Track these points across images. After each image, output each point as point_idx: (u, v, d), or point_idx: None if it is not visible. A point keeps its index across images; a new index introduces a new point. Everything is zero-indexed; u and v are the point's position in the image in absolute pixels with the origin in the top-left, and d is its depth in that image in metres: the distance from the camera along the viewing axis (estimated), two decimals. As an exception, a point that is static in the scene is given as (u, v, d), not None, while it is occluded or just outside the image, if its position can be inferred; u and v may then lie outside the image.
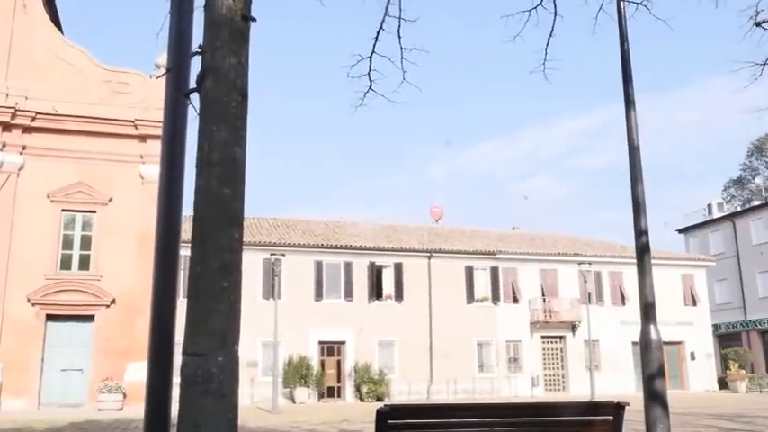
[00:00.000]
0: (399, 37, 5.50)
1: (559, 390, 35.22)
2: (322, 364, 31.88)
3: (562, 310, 35.43)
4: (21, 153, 24.23)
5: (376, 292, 33.35)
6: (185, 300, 3.43)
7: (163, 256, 3.98)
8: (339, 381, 32.30)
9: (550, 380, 35.47)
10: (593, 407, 4.39)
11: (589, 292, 34.04)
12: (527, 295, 35.49)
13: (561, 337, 35.88)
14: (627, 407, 4.43)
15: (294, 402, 29.56)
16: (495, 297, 35.11)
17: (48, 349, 23.42)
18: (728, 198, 66.38)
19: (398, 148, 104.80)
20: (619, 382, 33.66)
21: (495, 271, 35.25)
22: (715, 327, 42.95)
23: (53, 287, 23.58)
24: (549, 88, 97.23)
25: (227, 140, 3.53)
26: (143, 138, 25.15)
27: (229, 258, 3.45)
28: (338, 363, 32.45)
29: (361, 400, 30.81)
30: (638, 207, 7.23)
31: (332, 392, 31.97)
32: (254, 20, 3.75)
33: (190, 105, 3.84)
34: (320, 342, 32.03)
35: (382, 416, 3.81)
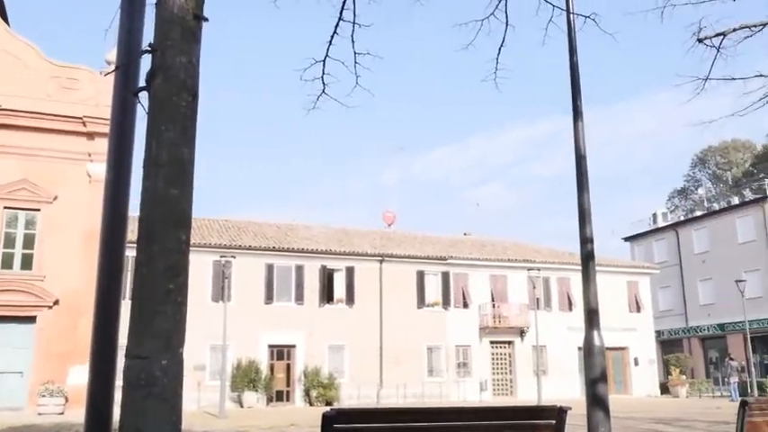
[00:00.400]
0: (353, 41, 5.52)
1: (507, 394, 35.64)
2: (271, 368, 31.62)
3: (511, 315, 35.90)
4: (-39, 148, 23.44)
5: (327, 295, 33.25)
6: (130, 301, 3.37)
7: (107, 257, 3.91)
8: (288, 385, 32.07)
9: (499, 384, 35.88)
10: (536, 411, 4.46)
11: (537, 298, 34.60)
12: (477, 300, 35.85)
13: (510, 343, 36.33)
14: (569, 411, 4.52)
15: (242, 407, 29.23)
16: (446, 302, 35.37)
17: (-15, 351, 22.67)
18: (673, 208, 68.35)
19: (353, 152, 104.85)
20: (565, 386, 34.26)
21: (446, 276, 35.52)
22: (658, 333, 44.08)
23: (-7, 287, 22.83)
24: (501, 97, 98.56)
25: (176, 141, 3.49)
26: (91, 135, 24.58)
27: (176, 260, 3.41)
28: (288, 366, 32.22)
29: (311, 404, 30.65)
30: (583, 215, 7.38)
31: (281, 397, 31.72)
32: (206, 20, 3.71)
33: (138, 104, 3.78)
34: (270, 346, 31.76)
35: (328, 420, 3.81)
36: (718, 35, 7.35)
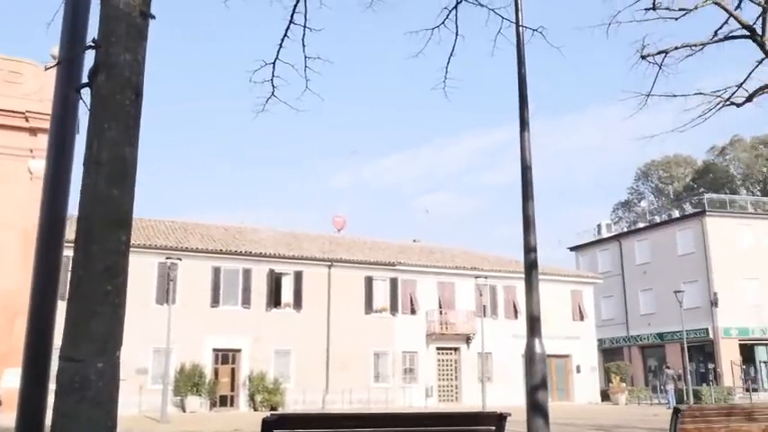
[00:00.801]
0: (304, 45, 5.51)
1: (453, 400, 35.89)
2: (216, 373, 31.16)
3: (458, 322, 36.19)
4: None
5: (274, 299, 32.97)
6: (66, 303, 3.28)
7: (44, 257, 3.80)
8: (233, 389, 31.64)
9: (444, 391, 36.10)
10: (476, 417, 4.51)
11: (484, 306, 34.99)
12: (424, 307, 36.04)
13: (456, 349, 36.62)
14: (510, 417, 4.58)
15: (185, 411, 28.72)
16: (394, 308, 35.46)
17: None
18: (616, 219, 70.10)
19: (304, 156, 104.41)
20: (510, 393, 34.61)
21: (394, 282, 35.62)
22: (600, 341, 45.07)
23: (-76, 286, 21.91)
24: (454, 106, 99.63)
25: (118, 139, 3.42)
26: (34, 131, 23.86)
27: (115, 261, 3.33)
28: (233, 371, 31.80)
29: (255, 409, 30.30)
30: (528, 224, 7.49)
31: (225, 401, 31.27)
32: (153, 17, 3.66)
33: (81, 101, 3.70)
34: (215, 350, 31.30)
35: (268, 425, 3.78)
36: (660, 53, 7.58)
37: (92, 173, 3.38)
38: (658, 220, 51.89)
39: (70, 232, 3.45)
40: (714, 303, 42.64)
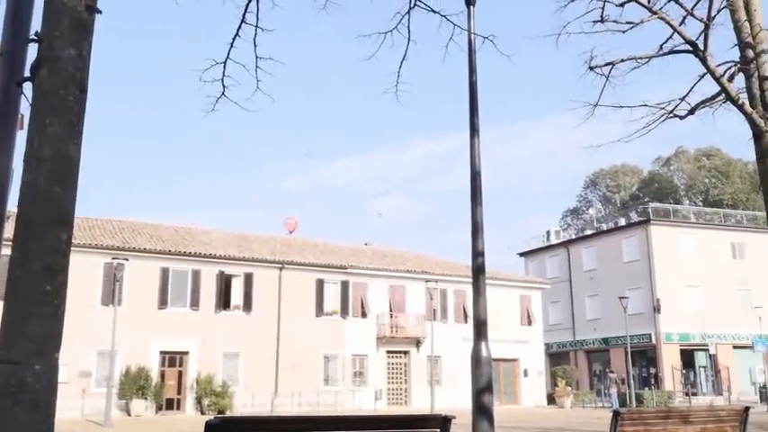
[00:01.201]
0: (255, 45, 5.47)
1: (402, 404, 36.00)
2: (162, 375, 30.61)
3: (408, 325, 36.34)
4: None
5: (224, 301, 32.57)
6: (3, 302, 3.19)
7: (-20, 255, 3.69)
8: (180, 393, 31.12)
9: (394, 394, 36.18)
10: (421, 420, 4.54)
11: (434, 310, 35.21)
12: (375, 310, 36.09)
13: (406, 352, 36.76)
14: (455, 420, 4.63)
15: (130, 415, 28.14)
16: (345, 311, 35.40)
17: None
18: (565, 226, 71.42)
19: (257, 157, 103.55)
20: (459, 396, 34.85)
21: (345, 285, 35.57)
22: (547, 346, 45.84)
23: None
24: (408, 110, 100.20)
25: (61, 136, 3.34)
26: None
27: (54, 260, 3.25)
28: (180, 374, 31.28)
29: (203, 413, 29.86)
30: (476, 229, 7.59)
31: (171, 405, 30.72)
32: (100, 12, 3.58)
33: (22, 95, 3.60)
34: (162, 352, 30.75)
35: (211, 429, 3.74)
36: (607, 64, 7.78)
37: (32, 169, 3.30)
38: (605, 228, 53.04)
39: (10, 230, 3.36)
40: (657, 309, 43.79)
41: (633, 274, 45.40)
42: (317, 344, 33.80)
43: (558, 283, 49.65)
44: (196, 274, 32.00)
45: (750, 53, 7.45)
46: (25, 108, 3.63)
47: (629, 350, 38.00)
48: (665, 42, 7.93)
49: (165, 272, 31.33)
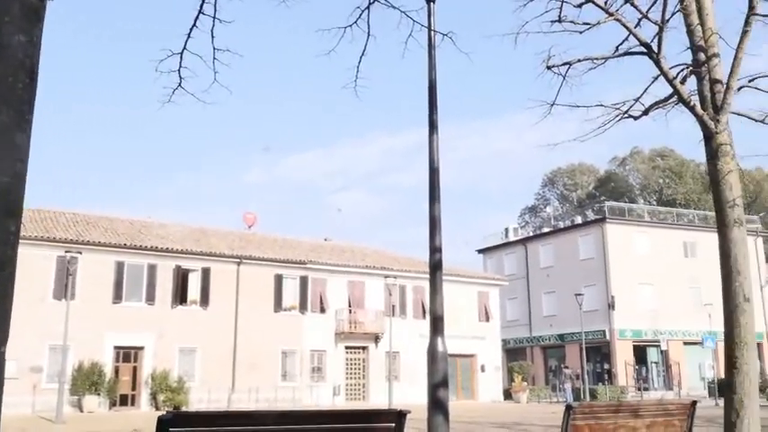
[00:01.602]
0: (213, 37, 5.41)
1: (360, 399, 36.05)
2: (116, 371, 30.11)
3: (367, 321, 36.40)
4: None
5: (181, 296, 32.17)
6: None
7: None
8: (134, 388, 30.66)
9: (352, 389, 36.22)
10: (375, 415, 4.55)
11: (393, 305, 35.31)
12: (334, 306, 36.05)
13: (365, 348, 36.81)
14: (411, 414, 4.65)
15: (82, 411, 27.63)
16: (303, 307, 35.29)
17: None
18: (523, 224, 72.34)
19: (216, 151, 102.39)
20: (417, 392, 35.01)
21: (304, 280, 35.45)
22: (504, 342, 46.37)
23: None
24: (368, 106, 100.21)
25: (9, 124, 3.26)
26: None
27: (2, 252, 3.18)
28: (134, 369, 30.81)
29: (157, 408, 29.45)
30: (434, 225, 7.63)
31: (125, 401, 30.26)
32: (51, -1, 3.50)
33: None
34: (116, 347, 30.24)
35: (164, 424, 3.69)
36: (564, 64, 7.88)
37: (-21, 159, 3.21)
38: (562, 226, 53.83)
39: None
40: (611, 306, 44.66)
41: (589, 272, 46.20)
42: (275, 339, 33.62)
43: (516, 279, 50.25)
44: (152, 269, 31.53)
45: (702, 56, 7.63)
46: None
47: (583, 346, 38.68)
48: (621, 44, 8.06)
49: (119, 266, 30.80)
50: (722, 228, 7.38)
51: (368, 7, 5.88)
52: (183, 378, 30.68)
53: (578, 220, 52.70)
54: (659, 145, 73.31)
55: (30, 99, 3.38)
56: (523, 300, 51.44)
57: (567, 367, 40.12)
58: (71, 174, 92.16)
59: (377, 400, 34.62)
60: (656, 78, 8.13)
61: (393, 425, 4.48)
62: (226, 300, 32.80)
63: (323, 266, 36.06)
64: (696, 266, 45.48)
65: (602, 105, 8.50)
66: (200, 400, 30.64)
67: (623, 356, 44.24)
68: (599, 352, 46.26)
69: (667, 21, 7.46)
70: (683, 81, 7.78)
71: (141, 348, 30.81)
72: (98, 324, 29.15)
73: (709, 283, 45.65)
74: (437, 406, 6.89)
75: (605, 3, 7.65)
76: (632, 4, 7.65)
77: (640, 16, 7.71)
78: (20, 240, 3.40)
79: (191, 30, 5.30)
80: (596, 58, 7.96)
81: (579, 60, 7.88)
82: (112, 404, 29.47)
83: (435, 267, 7.58)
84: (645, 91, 8.37)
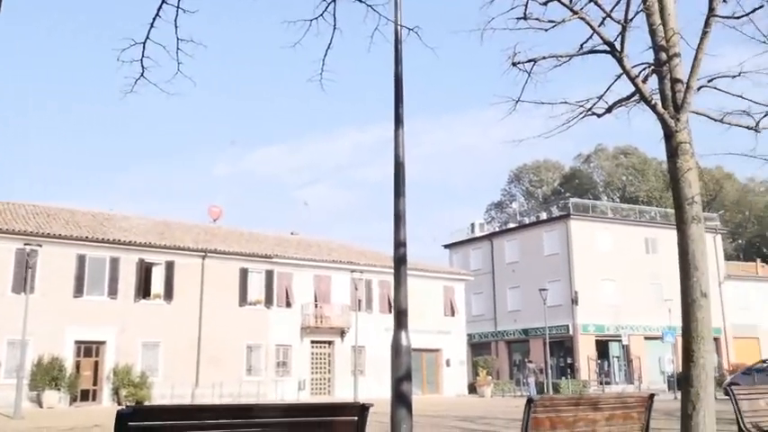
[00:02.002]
0: (176, 27, 5.34)
1: (325, 393, 36.01)
2: (77, 366, 29.61)
3: (333, 315, 36.35)
4: None
5: (144, 290, 31.75)
6: None
7: None
8: (96, 384, 30.20)
9: (317, 384, 36.15)
10: (338, 408, 4.56)
11: (359, 300, 35.32)
12: (300, 300, 35.92)
13: (330, 342, 36.76)
14: (373, 408, 4.66)
15: (42, 407, 27.13)
16: (269, 301, 35.10)
17: None
18: (489, 219, 72.89)
19: (182, 144, 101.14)
20: (382, 386, 35.04)
21: (270, 274, 35.25)
22: (470, 336, 46.74)
23: None
24: (335, 100, 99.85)
25: (-37, 112, 3.18)
26: None
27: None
28: (96, 364, 30.34)
29: (119, 404, 29.04)
30: (398, 220, 7.64)
31: (87, 396, 29.78)
32: (8, -15, 3.42)
33: None
34: (77, 342, 29.74)
35: (123, 418, 3.64)
36: (529, 61, 7.94)
37: (-70, 147, 3.13)
38: (527, 222, 54.37)
39: None
40: (575, 301, 45.28)
41: (553, 267, 46.74)
42: (240, 334, 33.40)
43: (482, 274, 50.63)
44: (114, 262, 31.06)
45: (663, 56, 7.75)
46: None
47: (547, 341, 39.15)
48: (585, 42, 8.14)
49: (81, 259, 30.27)
50: (681, 225, 7.51)
51: (333, 0, 5.86)
52: (146, 373, 30.31)
53: (543, 216, 53.28)
54: (623, 143, 74.47)
55: (-16, 87, 3.31)
56: (489, 295, 51.87)
57: (530, 362, 40.57)
58: (30, 167, 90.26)
59: (342, 394, 34.63)
60: (618, 77, 8.24)
61: (356, 418, 4.49)
62: (190, 294, 32.47)
63: (289, 260, 35.90)
64: (657, 263, 46.29)
65: (566, 102, 8.58)
66: (163, 395, 30.30)
67: (586, 351, 44.89)
68: (562, 346, 46.88)
69: (630, 20, 7.56)
70: (645, 80, 7.89)
71: (103, 343, 30.35)
72: (59, 318, 28.65)
73: (669, 279, 46.40)
74: (400, 400, 6.92)
75: (570, 1, 7.71)
76: (596, 3, 7.73)
77: (604, 15, 7.79)
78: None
79: (153, 19, 5.22)
80: (561, 56, 8.03)
81: (544, 58, 7.95)
82: (73, 399, 28.99)
83: (400, 261, 7.59)
84: (608, 89, 8.48)
